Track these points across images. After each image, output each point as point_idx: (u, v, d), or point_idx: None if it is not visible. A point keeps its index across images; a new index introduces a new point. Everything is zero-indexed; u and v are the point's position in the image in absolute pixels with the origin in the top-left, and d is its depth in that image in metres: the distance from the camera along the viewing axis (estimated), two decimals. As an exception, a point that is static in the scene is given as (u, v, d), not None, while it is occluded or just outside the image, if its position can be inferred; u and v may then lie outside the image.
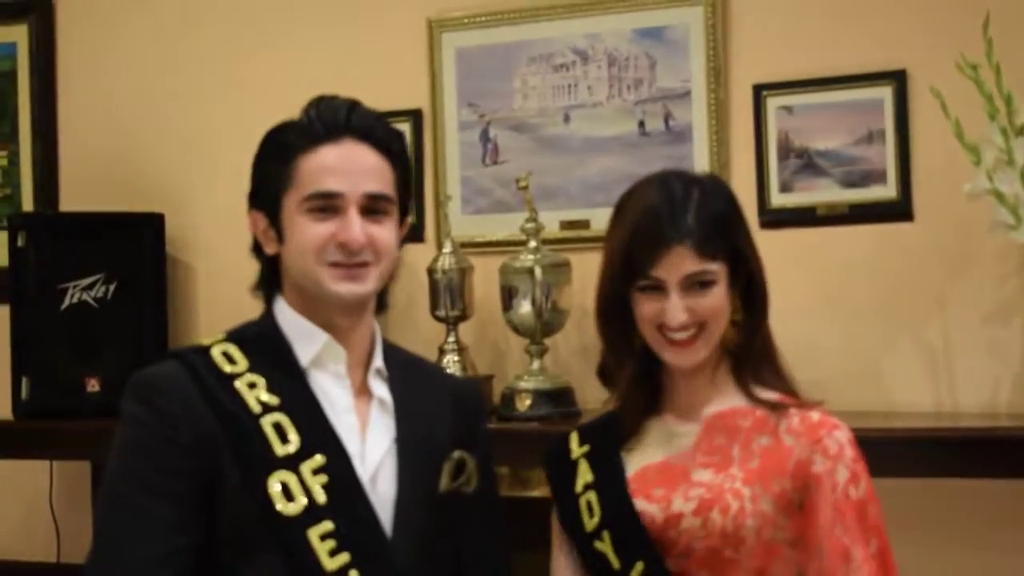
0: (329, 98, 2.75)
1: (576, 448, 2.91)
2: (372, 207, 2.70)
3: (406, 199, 2.82)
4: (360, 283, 2.70)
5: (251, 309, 2.87)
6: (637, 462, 2.82)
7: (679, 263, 2.69)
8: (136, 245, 4.94)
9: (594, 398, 4.16)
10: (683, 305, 2.69)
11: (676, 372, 2.81)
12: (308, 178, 2.68)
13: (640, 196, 2.79)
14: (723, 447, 2.75)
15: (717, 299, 2.72)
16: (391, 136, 2.78)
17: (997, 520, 4.10)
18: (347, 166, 2.69)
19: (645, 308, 2.73)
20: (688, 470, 2.75)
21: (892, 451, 3.59)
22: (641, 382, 2.83)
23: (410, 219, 2.92)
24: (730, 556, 2.67)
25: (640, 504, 2.75)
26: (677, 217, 2.70)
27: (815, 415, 2.74)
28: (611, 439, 2.87)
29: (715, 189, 2.83)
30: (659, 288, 2.71)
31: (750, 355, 2.80)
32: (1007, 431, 3.91)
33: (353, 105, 2.74)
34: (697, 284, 2.70)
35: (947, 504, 4.09)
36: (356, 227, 2.66)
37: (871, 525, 2.66)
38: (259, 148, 2.80)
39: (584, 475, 2.85)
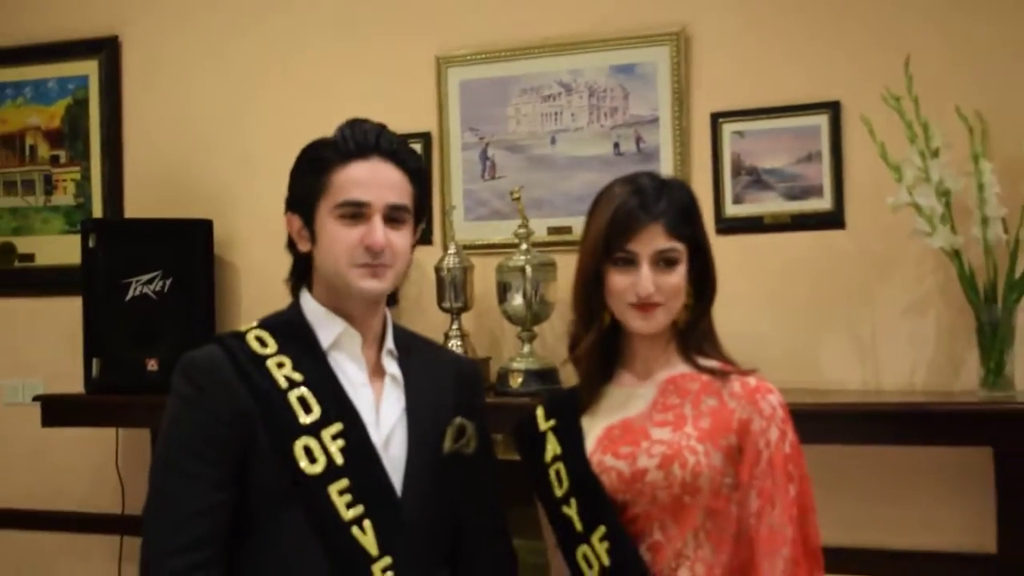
0: (361, 121, 2.78)
1: (543, 422, 2.92)
2: (393, 216, 2.73)
3: (421, 209, 2.84)
4: (381, 280, 2.73)
5: (283, 300, 2.90)
6: (600, 424, 2.83)
7: (652, 239, 2.73)
8: (188, 246, 4.93)
9: (575, 377, 4.18)
10: (652, 278, 2.72)
11: (635, 341, 2.83)
12: (340, 188, 2.71)
13: (618, 188, 2.82)
14: (676, 406, 2.77)
15: (679, 278, 2.76)
16: (411, 156, 2.81)
17: (912, 479, 4.11)
18: (374, 180, 2.71)
19: (618, 281, 2.76)
20: (647, 428, 2.77)
21: (826, 423, 3.61)
22: (601, 352, 2.84)
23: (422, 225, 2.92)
24: (688, 502, 2.70)
25: (609, 460, 2.76)
26: (651, 202, 2.75)
27: (752, 380, 2.78)
28: (573, 411, 2.88)
29: (681, 186, 2.88)
30: (632, 262, 2.74)
31: (696, 332, 2.83)
32: (922, 406, 3.91)
33: (381, 128, 2.77)
34: (664, 261, 2.74)
35: (871, 466, 4.10)
36: (379, 232, 2.69)
37: (794, 474, 2.70)
38: (297, 160, 2.81)
39: (553, 447, 2.86)
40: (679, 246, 2.75)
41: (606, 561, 2.73)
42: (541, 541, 2.96)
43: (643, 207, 2.74)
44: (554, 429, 2.88)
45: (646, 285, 2.72)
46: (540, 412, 2.95)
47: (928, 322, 4.16)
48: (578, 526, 2.77)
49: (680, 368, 2.83)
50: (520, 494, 2.96)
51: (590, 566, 2.75)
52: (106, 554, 5.14)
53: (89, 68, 5.33)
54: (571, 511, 2.79)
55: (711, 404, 2.76)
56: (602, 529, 2.74)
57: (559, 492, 2.81)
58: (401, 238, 2.75)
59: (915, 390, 4.16)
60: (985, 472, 3.98)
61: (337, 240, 2.71)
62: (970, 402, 3.87)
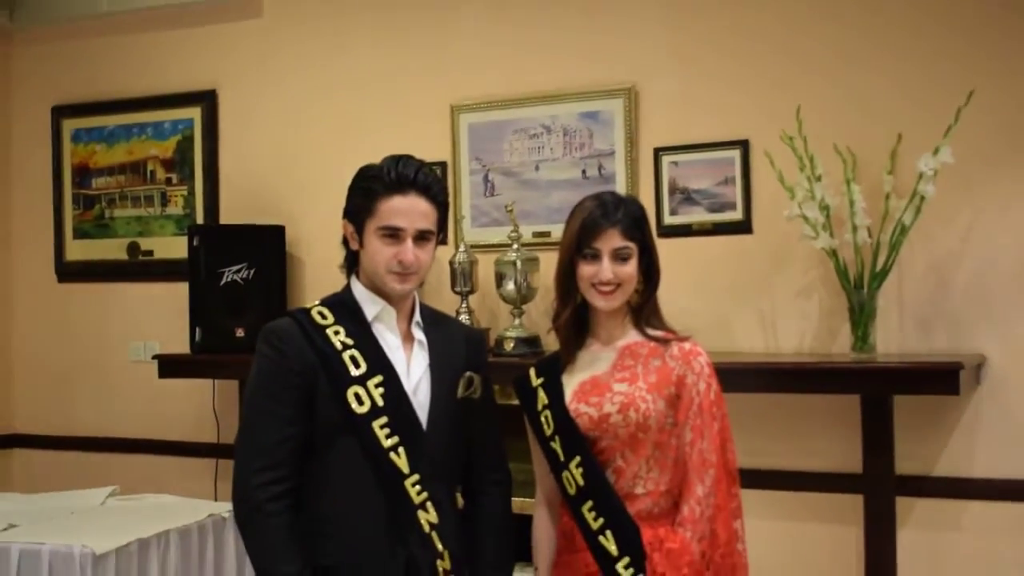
0: (404, 159, 2.73)
1: (535, 379, 2.90)
2: (421, 237, 2.71)
3: (443, 226, 2.81)
4: (407, 284, 2.72)
5: (336, 286, 2.86)
6: (576, 379, 2.83)
7: (611, 239, 2.74)
8: (267, 245, 4.93)
9: (553, 344, 4.14)
10: (611, 268, 2.74)
11: (600, 316, 2.83)
12: (383, 215, 2.68)
13: (588, 202, 2.82)
14: (631, 366, 2.77)
15: (631, 268, 2.76)
16: (441, 190, 2.76)
17: (802, 419, 4.13)
18: (409, 211, 2.68)
19: (586, 270, 2.76)
20: (610, 383, 2.77)
21: (738, 377, 3.60)
22: (575, 324, 2.85)
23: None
24: (641, 437, 2.71)
25: (583, 407, 2.77)
26: (611, 212, 2.76)
27: (687, 345, 2.79)
28: (555, 370, 2.88)
29: (634, 201, 2.87)
30: (596, 256, 2.75)
31: (645, 310, 2.83)
32: (809, 364, 3.95)
33: (420, 166, 2.73)
34: (620, 257, 2.75)
35: (772, 409, 4.11)
36: (410, 252, 2.68)
37: (717, 415, 2.73)
38: (353, 179, 2.77)
39: (542, 399, 2.85)
40: (632, 245, 2.76)
41: (581, 482, 2.74)
42: (529, 464, 2.95)
43: (605, 216, 2.76)
44: (543, 384, 2.87)
45: (606, 273, 2.74)
46: (532, 372, 2.93)
47: (813, 303, 4.17)
48: (561, 456, 2.78)
49: (634, 337, 2.82)
50: (513, 430, 2.95)
51: (570, 486, 2.76)
52: (205, 473, 5.12)
53: (194, 113, 5.31)
54: (556, 446, 2.79)
55: (656, 364, 2.76)
56: (578, 458, 2.75)
57: (548, 432, 2.81)
58: (425, 253, 2.73)
59: (804, 352, 4.16)
60: (854, 413, 3.99)
61: (379, 253, 2.69)
62: (843, 362, 3.88)
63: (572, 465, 2.76)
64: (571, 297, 2.84)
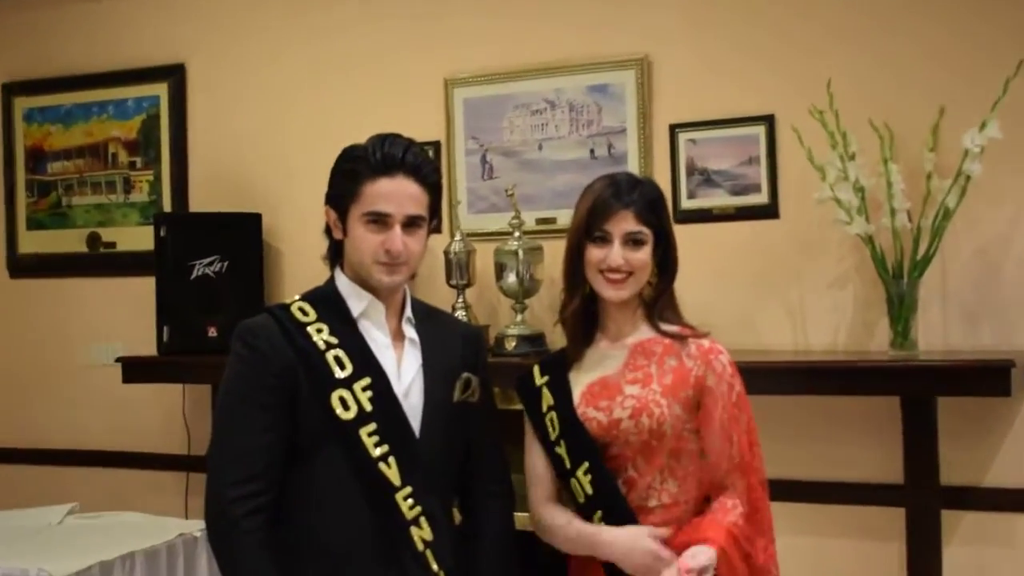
0: (391, 138, 2.73)
1: (539, 378, 2.92)
2: (411, 224, 2.71)
3: (436, 212, 2.82)
4: (396, 276, 2.73)
5: (318, 279, 2.88)
6: (584, 380, 2.84)
7: (623, 222, 2.76)
8: (242, 235, 4.94)
9: (559, 341, 4.14)
10: (622, 253, 2.75)
11: (609, 308, 2.85)
12: (369, 200, 2.69)
13: (599, 183, 2.84)
14: (644, 366, 2.79)
15: (644, 256, 2.78)
16: (431, 171, 2.77)
17: (835, 423, 4.13)
18: (396, 195, 2.69)
19: (595, 254, 2.78)
20: (620, 385, 2.78)
21: (764, 377, 3.61)
22: (584, 317, 2.87)
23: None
24: (655, 445, 2.73)
25: (591, 412, 2.78)
26: (625, 192, 2.78)
27: (706, 343, 2.81)
28: (562, 369, 2.90)
29: (651, 184, 2.89)
30: (606, 240, 2.77)
31: (660, 303, 2.85)
32: (843, 363, 3.95)
33: (408, 146, 2.73)
34: (632, 241, 2.76)
35: (802, 413, 4.11)
36: (398, 240, 2.68)
37: (743, 416, 2.76)
38: (336, 162, 2.79)
39: (547, 399, 2.87)
40: (646, 230, 2.77)
41: (589, 490, 2.76)
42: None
43: (617, 196, 2.78)
44: (547, 384, 2.89)
45: (615, 258, 2.75)
46: (536, 370, 2.95)
47: (847, 295, 4.17)
48: (567, 463, 2.79)
49: (647, 334, 2.84)
50: (516, 437, 2.96)
51: (578, 495, 2.78)
52: (174, 488, 5.12)
53: (160, 90, 5.32)
54: (562, 451, 2.81)
55: (672, 364, 2.78)
56: (586, 464, 2.77)
57: (553, 435, 2.83)
58: (415, 241, 2.74)
59: (837, 350, 4.17)
60: (894, 417, 3.98)
61: (364, 241, 2.70)
62: (882, 360, 3.88)
63: (580, 472, 2.77)
64: (579, 287, 2.86)
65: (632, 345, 2.84)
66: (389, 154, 2.70)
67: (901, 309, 3.87)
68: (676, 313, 2.88)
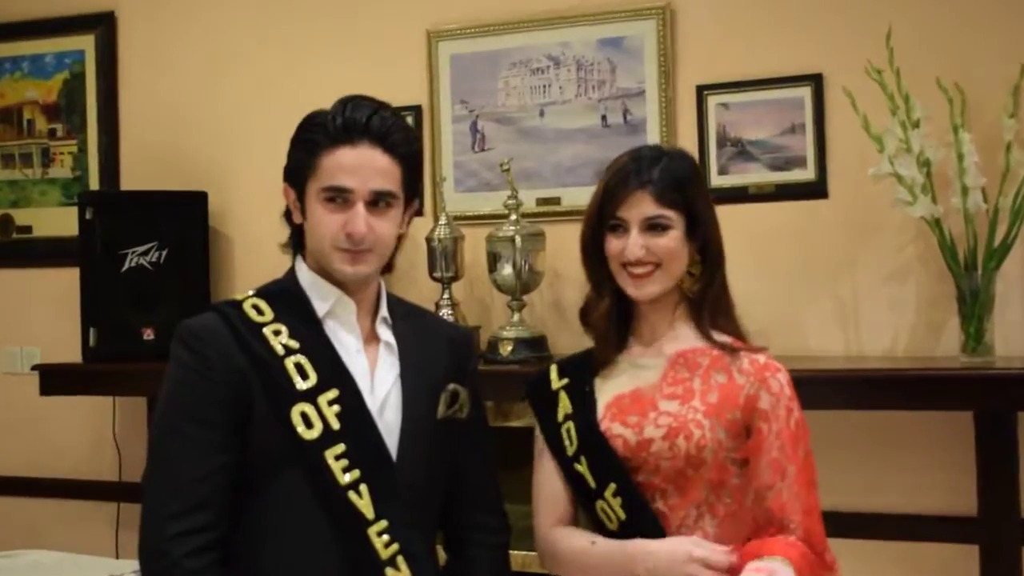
0: (355, 101, 2.72)
1: (556, 380, 2.91)
2: (377, 202, 2.69)
3: (413, 190, 2.80)
4: (362, 265, 2.71)
5: (276, 271, 2.87)
6: (611, 391, 2.83)
7: (639, 206, 2.74)
8: (184, 218, 4.95)
9: (564, 345, 4.19)
10: (641, 242, 2.73)
11: (642, 308, 2.84)
12: (327, 173, 2.67)
13: (621, 158, 2.83)
14: (686, 379, 2.77)
15: (671, 241, 2.75)
16: (403, 140, 2.73)
17: (895, 443, 4.12)
18: (359, 167, 2.67)
19: (612, 245, 2.78)
20: (655, 399, 2.77)
21: (809, 389, 3.58)
22: (614, 319, 2.85)
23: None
24: (691, 475, 2.71)
25: (617, 428, 2.77)
26: (643, 171, 2.76)
27: (762, 358, 2.79)
28: (585, 373, 2.88)
29: (680, 157, 2.86)
30: (623, 228, 2.76)
31: (705, 303, 2.83)
32: (904, 371, 3.93)
33: (376, 110, 2.70)
34: (654, 227, 2.74)
35: (855, 431, 4.11)
36: (361, 220, 2.66)
37: (800, 448, 2.72)
38: (295, 133, 2.77)
39: (564, 406, 2.86)
40: (669, 213, 2.74)
41: (622, 515, 2.74)
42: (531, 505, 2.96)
43: (634, 175, 2.76)
44: (566, 388, 2.88)
45: (633, 249, 2.73)
46: (554, 371, 2.95)
47: (909, 289, 4.17)
48: (591, 483, 2.78)
49: (691, 341, 2.82)
50: (510, 459, 2.96)
51: (609, 520, 2.76)
52: (103, 521, 5.14)
53: (86, 43, 5.32)
54: (583, 468, 2.79)
55: (720, 379, 2.76)
56: (613, 486, 2.75)
57: (570, 450, 2.82)
58: (385, 223, 2.71)
59: (896, 356, 4.17)
60: (966, 436, 3.99)
61: (322, 223, 2.69)
62: (951, 367, 3.88)
63: (608, 494, 2.76)
64: (605, 283, 2.84)
65: (672, 354, 2.82)
66: (351, 119, 2.68)
67: (974, 307, 3.87)
68: (730, 318, 2.86)
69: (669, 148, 2.91)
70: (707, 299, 2.83)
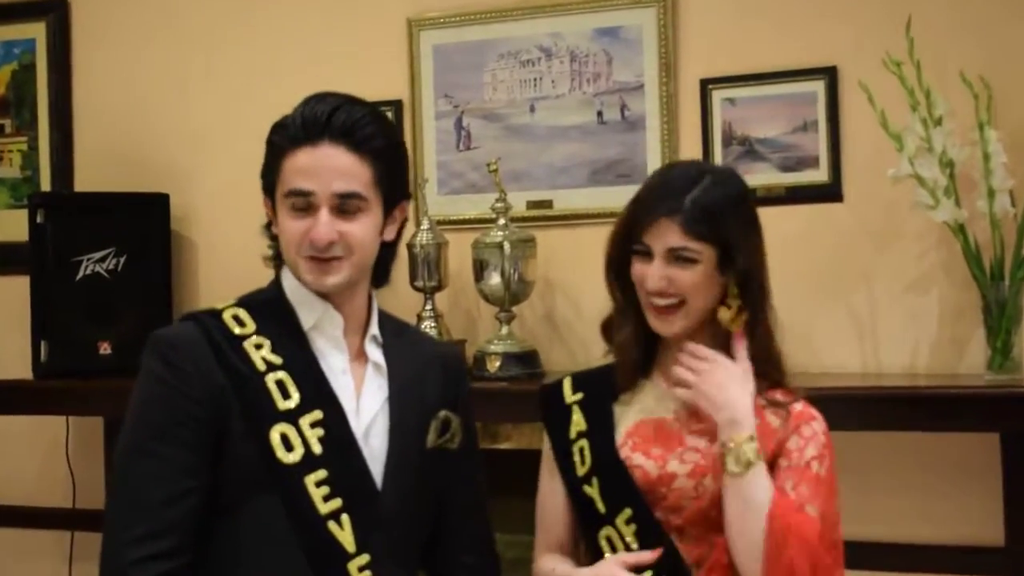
0: (316, 99, 2.71)
1: (570, 394, 2.92)
2: (343, 206, 2.67)
3: (392, 192, 2.77)
4: (332, 275, 2.69)
5: (245, 279, 2.90)
6: (634, 416, 2.84)
7: (665, 235, 2.72)
8: (144, 222, 4.95)
9: (557, 360, 4.21)
10: (662, 273, 2.72)
11: (667, 342, 2.83)
12: (288, 177, 2.67)
13: (658, 173, 2.86)
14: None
15: (697, 276, 2.72)
16: (370, 134, 2.70)
17: (915, 467, 4.14)
18: (319, 168, 2.65)
19: (636, 269, 2.78)
20: (682, 435, 2.78)
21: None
22: (638, 342, 2.85)
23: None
24: (716, 516, 2.70)
25: (638, 459, 2.77)
26: (675, 196, 2.73)
27: (798, 406, 2.80)
28: (606, 390, 2.89)
29: (724, 181, 2.83)
30: (648, 254, 2.74)
31: (754, 336, 2.82)
32: (925, 389, 3.95)
33: (338, 106, 2.69)
34: (680, 258, 2.72)
35: (871, 454, 4.11)
36: (323, 227, 2.64)
37: (824, 497, 2.70)
38: (267, 139, 2.77)
39: (578, 423, 2.87)
40: (696, 246, 2.71)
41: (634, 545, 2.74)
42: (525, 535, 2.97)
43: (664, 199, 2.74)
44: (580, 404, 2.89)
45: (654, 280, 2.73)
46: (567, 383, 2.96)
47: (931, 300, 4.18)
48: (601, 507, 2.78)
49: None
50: (497, 485, 2.97)
51: (614, 549, 2.76)
52: (55, 552, 5.14)
53: (36, 31, 5.33)
54: (593, 491, 2.80)
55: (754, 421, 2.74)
56: (628, 512, 2.75)
57: (581, 471, 2.82)
58: (356, 227, 2.69)
59: (917, 372, 4.18)
60: (991, 460, 4.01)
61: (286, 231, 2.70)
62: (976, 385, 3.89)
63: (619, 520, 2.76)
64: (629, 308, 2.84)
65: None
66: (310, 117, 2.68)
67: (1001, 320, 3.89)
68: (774, 363, 2.86)
69: (718, 168, 2.90)
70: (756, 333, 2.83)
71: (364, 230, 2.71)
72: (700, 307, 2.76)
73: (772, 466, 2.70)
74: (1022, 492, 3.97)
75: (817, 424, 2.78)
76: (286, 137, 2.68)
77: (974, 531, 4.08)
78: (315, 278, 2.69)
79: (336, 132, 2.67)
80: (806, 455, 2.71)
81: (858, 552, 3.94)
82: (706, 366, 2.73)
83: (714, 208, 2.74)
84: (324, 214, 2.66)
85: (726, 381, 2.72)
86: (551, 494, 2.91)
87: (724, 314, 2.80)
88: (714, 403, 2.70)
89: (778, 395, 2.82)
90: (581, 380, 2.96)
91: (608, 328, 2.92)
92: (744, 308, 2.80)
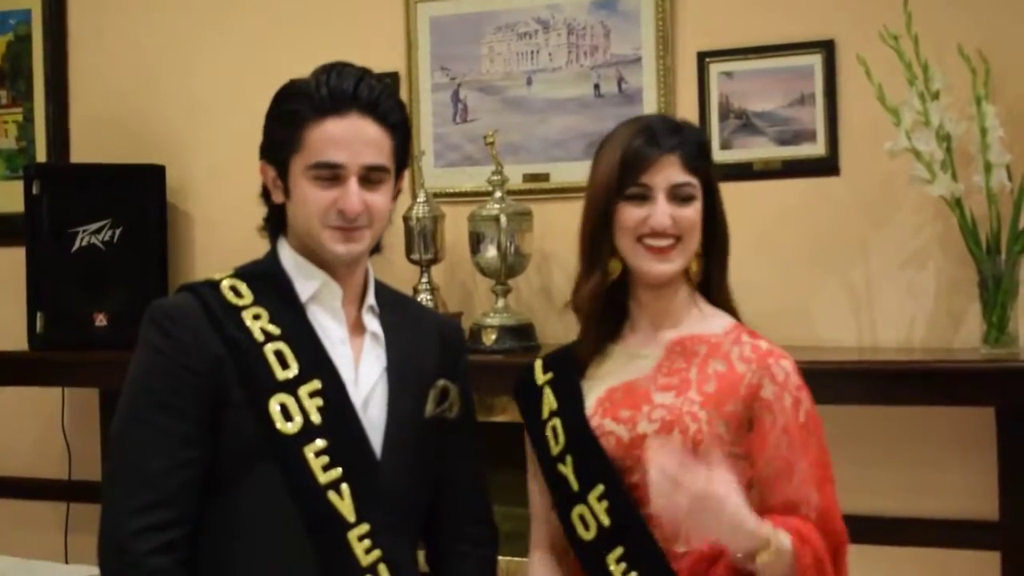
0: (339, 68, 2.72)
1: (540, 376, 2.93)
2: (370, 177, 2.70)
3: (403, 164, 2.82)
4: (357, 243, 2.72)
5: (241, 251, 2.88)
6: (602, 386, 2.83)
7: (668, 171, 2.74)
8: (140, 194, 4.95)
9: (553, 333, 4.21)
10: (668, 211, 2.72)
11: (643, 295, 2.84)
12: (314, 148, 2.68)
13: (630, 125, 2.83)
14: (682, 370, 2.77)
15: (695, 213, 2.76)
16: (393, 108, 2.75)
17: (910, 441, 4.15)
18: (350, 140, 2.68)
19: (632, 216, 2.75)
20: (649, 392, 2.77)
21: (818, 382, 3.59)
22: (606, 303, 2.84)
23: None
24: None
25: (609, 424, 2.77)
26: (668, 134, 2.77)
27: (764, 344, 2.79)
28: (573, 367, 2.89)
29: (694, 125, 2.92)
30: (646, 196, 2.74)
31: (713, 283, 2.86)
32: (921, 363, 3.96)
33: (362, 76, 2.71)
34: (680, 196, 2.74)
35: (867, 428, 4.13)
36: (354, 197, 2.67)
37: (812, 442, 2.72)
38: (271, 106, 2.78)
39: (549, 402, 2.87)
40: (695, 181, 2.76)
41: (605, 521, 2.74)
42: (519, 507, 2.98)
43: (657, 140, 2.75)
44: (551, 383, 2.89)
45: (661, 218, 2.72)
46: (538, 365, 2.96)
47: (927, 275, 4.19)
48: (574, 485, 2.78)
49: (692, 327, 2.82)
50: (493, 457, 2.98)
51: (587, 527, 2.75)
52: (51, 523, 5.14)
53: (32, 1, 5.32)
54: (566, 469, 2.79)
55: (718, 368, 2.75)
56: (600, 488, 2.74)
57: (555, 450, 2.82)
58: (379, 198, 2.73)
59: (913, 347, 4.19)
60: (987, 434, 4.02)
61: (310, 202, 2.69)
62: (971, 360, 3.90)
63: (591, 497, 2.75)
64: (600, 263, 2.83)
65: (670, 342, 2.82)
66: (337, 87, 2.69)
67: (997, 294, 3.90)
68: (731, 302, 2.89)
69: (679, 119, 2.92)
70: (714, 280, 2.86)
71: (385, 200, 2.76)
72: (692, 248, 2.79)
73: (749, 417, 2.71)
74: (1017, 466, 3.98)
75: (786, 363, 2.76)
76: (311, 106, 2.69)
77: (969, 505, 4.09)
78: (341, 246, 2.71)
79: (363, 103, 2.70)
80: (785, 406, 2.71)
81: (850, 525, 3.95)
82: (685, 486, 2.53)
83: (702, 146, 2.84)
84: (353, 184, 2.68)
85: (716, 506, 2.54)
86: (541, 493, 2.93)
87: (694, 264, 2.82)
88: (721, 532, 2.57)
89: (744, 335, 2.83)
90: (550, 360, 2.97)
91: (576, 300, 2.90)
92: (713, 251, 2.84)
